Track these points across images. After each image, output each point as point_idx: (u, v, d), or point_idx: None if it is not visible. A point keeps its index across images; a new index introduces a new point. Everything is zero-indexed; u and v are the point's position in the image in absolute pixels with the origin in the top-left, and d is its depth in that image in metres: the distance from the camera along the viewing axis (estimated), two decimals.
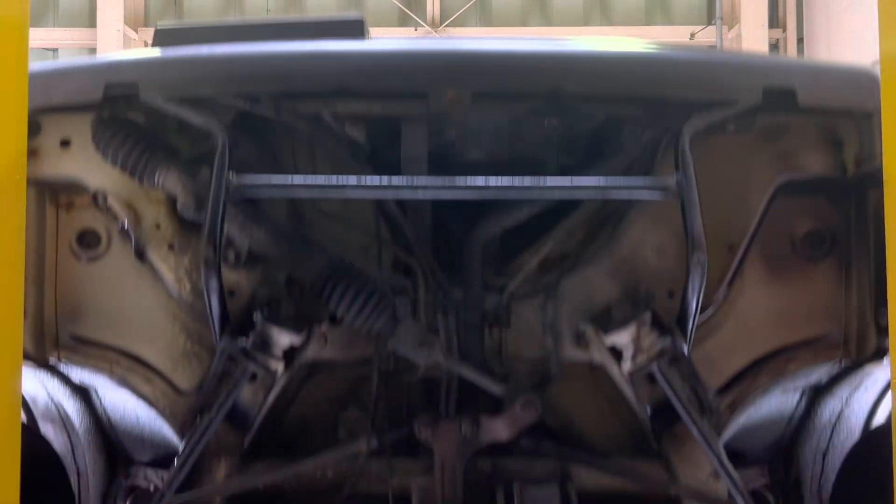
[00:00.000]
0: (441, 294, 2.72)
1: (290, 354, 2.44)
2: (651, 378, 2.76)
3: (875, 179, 2.68)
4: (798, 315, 2.84)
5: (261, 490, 2.75)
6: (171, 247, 2.74)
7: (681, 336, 2.40)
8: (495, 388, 2.63)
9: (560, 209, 2.81)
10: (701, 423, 2.38)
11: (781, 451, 3.48)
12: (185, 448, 2.42)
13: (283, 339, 2.43)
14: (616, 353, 2.45)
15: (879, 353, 2.81)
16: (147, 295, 2.81)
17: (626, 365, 2.42)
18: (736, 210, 2.74)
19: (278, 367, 2.42)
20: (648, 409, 2.64)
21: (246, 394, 2.72)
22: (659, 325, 2.43)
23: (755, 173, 2.74)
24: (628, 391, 2.49)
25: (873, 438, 3.05)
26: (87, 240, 2.83)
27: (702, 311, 2.75)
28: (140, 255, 2.78)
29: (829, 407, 3.24)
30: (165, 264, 2.73)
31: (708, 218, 2.38)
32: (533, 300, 2.77)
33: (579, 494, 2.64)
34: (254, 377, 2.71)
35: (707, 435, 2.38)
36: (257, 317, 2.41)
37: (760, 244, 2.82)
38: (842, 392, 3.14)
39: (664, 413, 2.72)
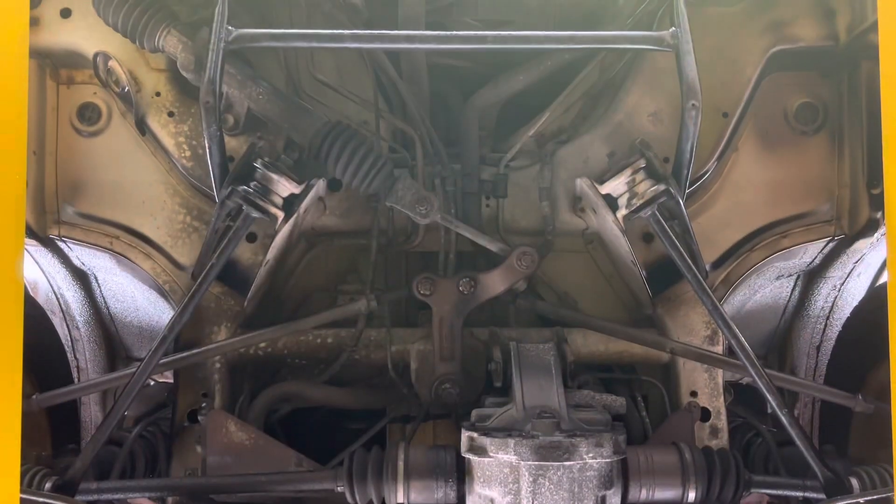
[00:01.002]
0: (439, 164, 2.75)
1: (289, 205, 2.46)
2: (646, 239, 2.80)
3: (866, 50, 2.72)
4: (791, 189, 2.88)
5: (261, 356, 2.77)
6: (170, 114, 2.77)
7: (676, 186, 2.42)
8: (492, 245, 2.65)
9: (556, 83, 2.85)
10: (696, 272, 2.40)
11: (776, 345, 3.53)
12: (180, 307, 2.44)
13: (283, 186, 2.44)
14: (612, 203, 2.47)
15: (872, 226, 2.83)
16: (147, 169, 2.84)
17: (622, 211, 2.44)
18: (730, 79, 2.77)
19: (278, 214, 2.43)
20: (644, 272, 2.66)
21: (245, 254, 2.75)
22: (654, 176, 2.46)
23: (748, 43, 2.78)
24: (624, 245, 2.50)
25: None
26: (88, 114, 2.85)
27: (697, 179, 2.80)
28: (140, 125, 2.80)
29: (823, 294, 3.28)
30: (165, 131, 2.76)
31: (703, 85, 2.40)
32: (530, 170, 2.80)
33: (574, 359, 2.66)
34: (253, 238, 2.74)
35: (703, 283, 2.40)
36: (258, 163, 2.43)
37: (754, 117, 2.86)
38: (835, 275, 3.18)
39: (658, 276, 2.75)
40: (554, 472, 2.13)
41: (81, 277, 3.19)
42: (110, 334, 3.44)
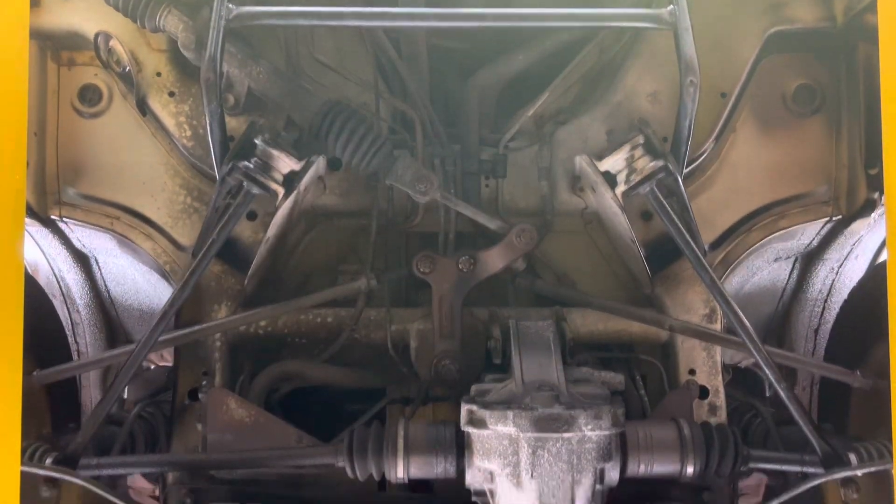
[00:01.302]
0: (439, 145, 2.76)
1: (289, 182, 2.47)
2: (645, 218, 2.81)
3: (863, 32, 2.74)
4: (789, 170, 2.90)
5: (261, 335, 2.78)
6: (171, 94, 2.78)
7: (674, 162, 2.44)
8: (491, 223, 2.66)
9: (555, 65, 2.86)
10: (695, 248, 2.41)
11: (774, 329, 3.54)
12: (180, 283, 2.44)
13: (283, 162, 2.45)
14: (610, 180, 2.48)
15: (869, 206, 2.85)
16: (148, 150, 2.85)
17: (620, 187, 2.45)
18: (728, 59, 2.79)
19: (279, 190, 2.45)
20: (642, 251, 2.67)
21: (246, 232, 2.76)
22: (653, 152, 2.47)
23: (746, 23, 2.79)
24: (623, 223, 2.51)
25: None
26: (89, 96, 2.86)
27: (695, 159, 2.82)
28: (141, 106, 2.81)
29: (821, 276, 3.29)
30: (166, 111, 2.77)
31: (701, 65, 2.41)
32: (529, 150, 2.81)
33: (573, 338, 2.67)
34: (253, 216, 2.75)
35: (702, 259, 2.41)
36: (258, 139, 2.44)
37: (752, 99, 2.88)
38: (832, 257, 3.19)
39: (657, 255, 2.77)
40: (553, 444, 2.14)
41: (82, 260, 3.20)
42: (110, 318, 3.45)
